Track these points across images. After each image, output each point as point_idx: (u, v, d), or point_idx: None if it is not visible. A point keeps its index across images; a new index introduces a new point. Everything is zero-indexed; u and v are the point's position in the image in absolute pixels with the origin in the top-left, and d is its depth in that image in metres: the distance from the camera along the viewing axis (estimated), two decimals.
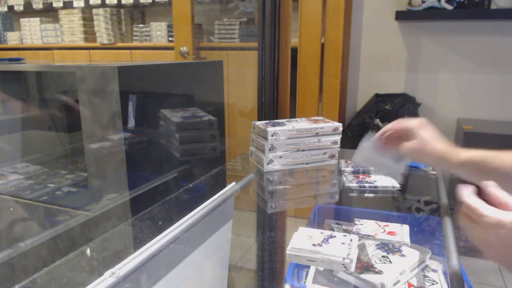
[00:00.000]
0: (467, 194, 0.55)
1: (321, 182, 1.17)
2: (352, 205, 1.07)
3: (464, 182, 0.60)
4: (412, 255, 0.69)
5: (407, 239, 0.75)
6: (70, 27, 3.21)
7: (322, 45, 2.25)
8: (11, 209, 1.24)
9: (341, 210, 1.06)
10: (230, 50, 2.67)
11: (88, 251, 0.71)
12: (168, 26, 2.92)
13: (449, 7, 2.10)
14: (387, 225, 0.82)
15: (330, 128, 1.15)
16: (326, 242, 0.65)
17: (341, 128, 1.16)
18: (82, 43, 3.19)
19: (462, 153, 0.71)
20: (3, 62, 1.40)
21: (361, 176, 1.09)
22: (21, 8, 3.52)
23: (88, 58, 3.12)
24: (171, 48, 2.65)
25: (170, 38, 2.92)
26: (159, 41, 2.97)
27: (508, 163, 0.65)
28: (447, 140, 0.75)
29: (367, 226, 0.82)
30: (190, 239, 0.66)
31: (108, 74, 1.03)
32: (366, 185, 1.03)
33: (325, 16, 2.22)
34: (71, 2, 3.21)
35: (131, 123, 1.09)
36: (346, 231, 0.70)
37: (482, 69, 2.25)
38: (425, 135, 0.75)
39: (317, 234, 0.68)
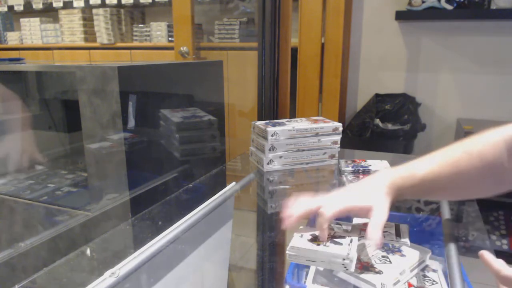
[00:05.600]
0: (499, 264, 0.51)
1: (321, 182, 1.17)
2: None
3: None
4: (412, 255, 0.69)
5: (407, 239, 0.75)
6: (70, 27, 3.21)
7: (322, 45, 2.25)
8: (11, 209, 1.24)
9: None
10: (230, 50, 2.67)
11: (88, 251, 0.71)
12: (168, 26, 2.92)
13: (449, 7, 2.10)
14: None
15: (330, 128, 1.15)
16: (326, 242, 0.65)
17: (341, 128, 1.16)
18: (82, 43, 3.19)
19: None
20: (3, 62, 1.40)
21: (361, 176, 1.09)
22: (21, 8, 3.52)
23: (88, 58, 3.12)
24: (171, 48, 2.65)
25: (170, 38, 2.92)
26: (159, 41, 2.97)
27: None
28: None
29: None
30: (190, 239, 0.66)
31: (108, 74, 1.03)
32: None
33: (325, 16, 2.22)
34: (71, 2, 3.21)
35: (131, 123, 1.10)
36: (346, 231, 0.70)
37: (482, 69, 2.25)
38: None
39: (317, 234, 0.68)
